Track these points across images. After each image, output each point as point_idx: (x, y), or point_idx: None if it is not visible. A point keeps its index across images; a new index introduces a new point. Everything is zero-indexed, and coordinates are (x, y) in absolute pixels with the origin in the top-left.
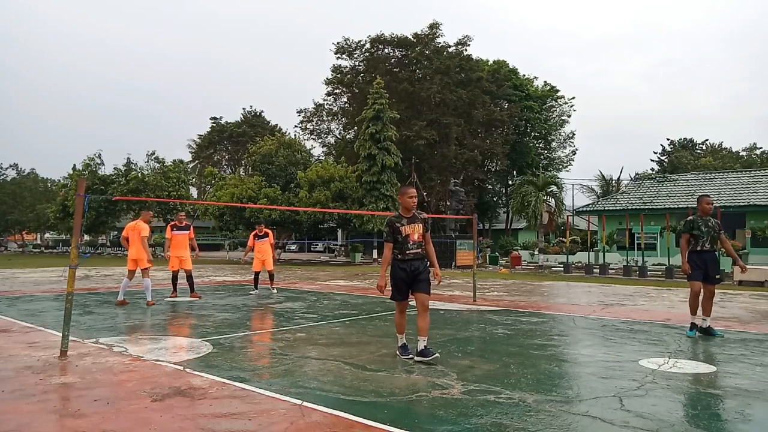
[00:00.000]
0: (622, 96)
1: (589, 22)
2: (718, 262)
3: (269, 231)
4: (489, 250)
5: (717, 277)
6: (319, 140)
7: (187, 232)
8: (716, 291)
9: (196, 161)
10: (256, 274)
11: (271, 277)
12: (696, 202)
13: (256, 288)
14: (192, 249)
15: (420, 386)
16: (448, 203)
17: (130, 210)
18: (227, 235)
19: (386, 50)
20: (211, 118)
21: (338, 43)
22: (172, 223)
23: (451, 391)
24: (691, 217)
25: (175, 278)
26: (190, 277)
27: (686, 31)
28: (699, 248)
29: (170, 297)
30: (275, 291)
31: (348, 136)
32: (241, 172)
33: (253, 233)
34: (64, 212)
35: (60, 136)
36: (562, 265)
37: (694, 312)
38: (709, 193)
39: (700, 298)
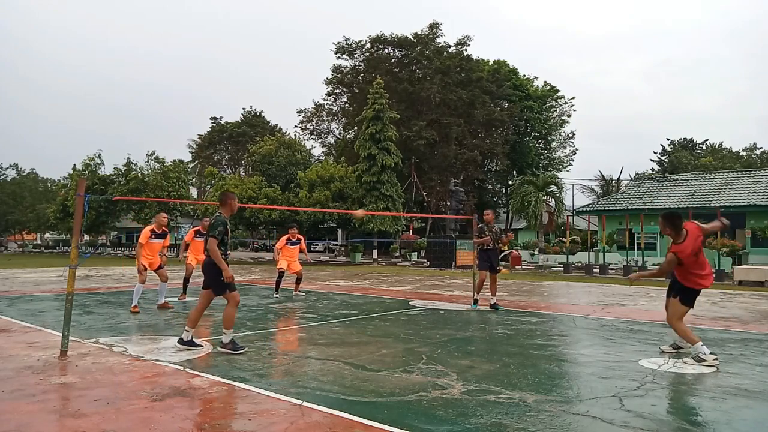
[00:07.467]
0: (622, 96)
1: (589, 22)
2: (501, 257)
3: (301, 237)
4: None
5: (498, 268)
6: (319, 140)
7: None
8: (716, 290)
9: (196, 161)
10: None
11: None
12: (484, 214)
13: (278, 290)
14: None
15: (420, 386)
16: (448, 203)
17: (130, 210)
18: None
19: (386, 50)
20: (211, 118)
21: (338, 43)
22: (196, 228)
23: (451, 391)
24: (480, 225)
25: (186, 280)
26: None
27: (686, 30)
28: (486, 247)
29: (180, 299)
30: (303, 294)
31: (348, 136)
32: (241, 172)
33: (285, 237)
34: (64, 212)
35: (60, 136)
36: (562, 265)
37: (479, 291)
38: (489, 210)
39: (487, 282)
